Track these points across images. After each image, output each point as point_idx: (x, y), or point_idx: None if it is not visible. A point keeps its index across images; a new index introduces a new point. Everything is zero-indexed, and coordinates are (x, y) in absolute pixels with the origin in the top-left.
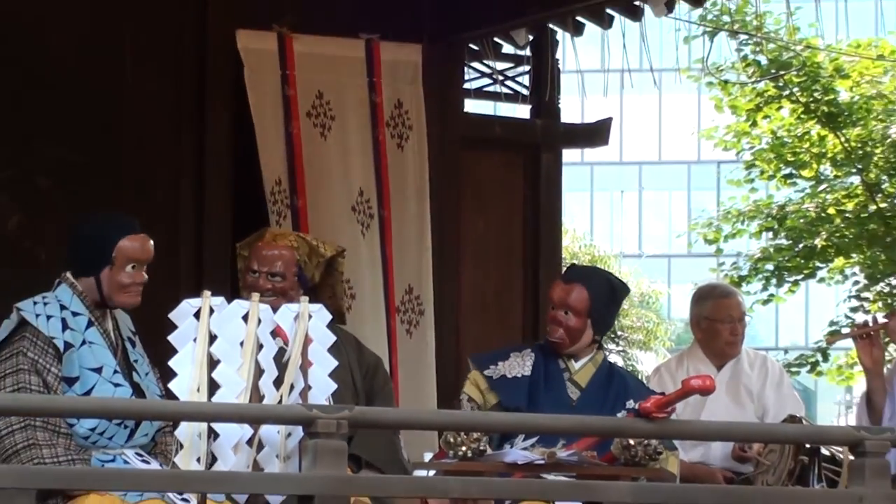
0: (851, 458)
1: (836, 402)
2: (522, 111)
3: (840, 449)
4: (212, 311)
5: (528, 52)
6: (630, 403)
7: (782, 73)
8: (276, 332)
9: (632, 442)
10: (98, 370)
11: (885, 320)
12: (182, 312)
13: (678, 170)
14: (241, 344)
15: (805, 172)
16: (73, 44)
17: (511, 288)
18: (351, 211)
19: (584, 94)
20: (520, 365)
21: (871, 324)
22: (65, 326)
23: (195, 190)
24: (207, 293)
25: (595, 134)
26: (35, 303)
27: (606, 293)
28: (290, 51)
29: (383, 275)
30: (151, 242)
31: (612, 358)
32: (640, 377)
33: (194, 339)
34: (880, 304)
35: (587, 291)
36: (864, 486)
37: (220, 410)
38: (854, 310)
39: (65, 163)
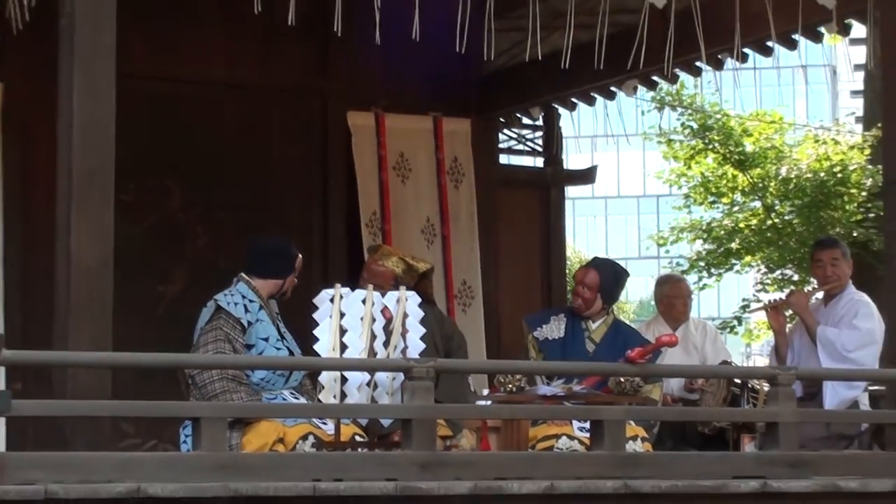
0: (767, 388)
1: (740, 353)
2: (538, 162)
3: (758, 382)
4: (341, 297)
5: (540, 121)
6: (630, 352)
7: (707, 133)
8: (384, 311)
9: (622, 379)
10: (266, 339)
11: (785, 298)
12: (321, 298)
13: (630, 201)
14: (362, 319)
15: (724, 200)
16: (241, 120)
17: (532, 279)
18: (420, 232)
19: (579, 151)
20: (557, 328)
21: (777, 300)
22: (246, 310)
23: (322, 218)
24: (338, 285)
25: (586, 176)
26: (225, 294)
27: (611, 275)
28: (382, 125)
29: (444, 273)
30: None
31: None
32: None
33: (330, 316)
34: (776, 287)
35: (598, 274)
36: (778, 407)
37: (349, 363)
38: (758, 291)
39: (235, 202)
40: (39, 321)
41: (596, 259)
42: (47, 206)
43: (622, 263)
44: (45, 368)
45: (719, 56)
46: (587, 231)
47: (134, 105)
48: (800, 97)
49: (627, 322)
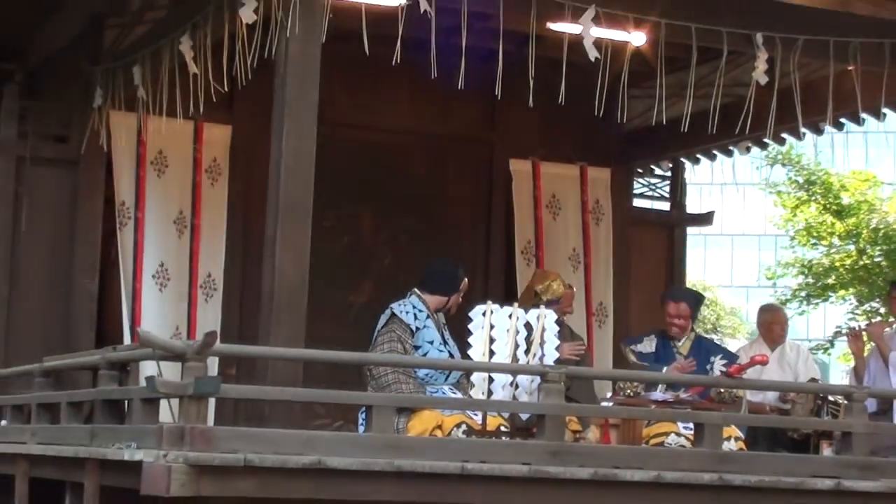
0: (845, 402)
1: (842, 371)
2: (665, 205)
3: (839, 397)
4: (492, 312)
5: (668, 172)
6: (712, 359)
7: (810, 186)
8: (526, 325)
9: (722, 390)
10: (431, 342)
11: (864, 327)
12: (475, 312)
13: (752, 239)
14: (507, 331)
15: (823, 242)
16: (422, 163)
17: (656, 303)
18: (567, 259)
19: (710, 195)
20: (649, 345)
21: (857, 329)
22: (415, 318)
23: (485, 246)
24: (489, 302)
25: (705, 218)
26: (399, 304)
27: (695, 302)
28: (538, 171)
29: (584, 295)
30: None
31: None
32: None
33: (482, 327)
34: (865, 317)
35: (687, 305)
36: (852, 419)
37: (496, 366)
38: (850, 321)
39: (414, 230)
40: (253, 321)
41: (682, 293)
42: (262, 228)
43: (743, 292)
44: (252, 359)
45: (818, 124)
46: (715, 264)
47: (337, 147)
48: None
49: (709, 336)
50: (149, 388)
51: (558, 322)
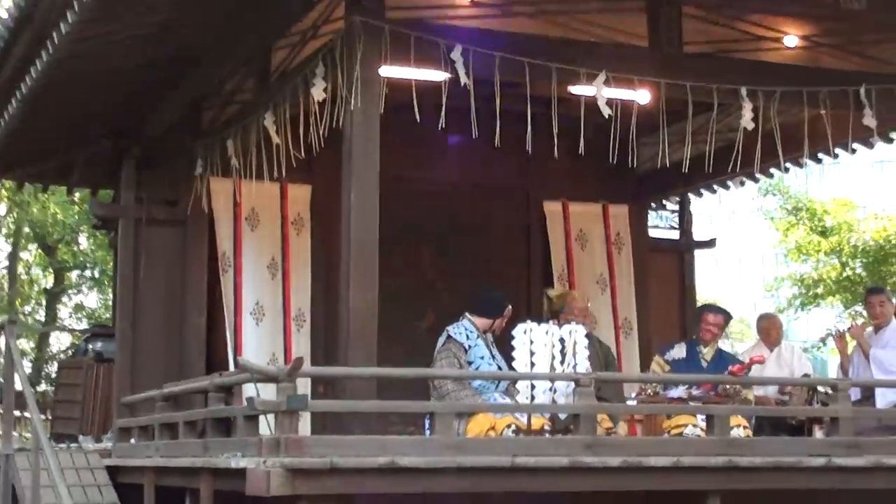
0: (832, 392)
1: (837, 366)
2: (675, 234)
3: (828, 388)
4: (531, 329)
5: (676, 206)
6: (730, 367)
7: (799, 212)
8: (561, 340)
9: (727, 387)
10: (482, 357)
11: (847, 329)
12: (517, 330)
13: (756, 258)
14: (545, 345)
15: (812, 258)
16: (471, 208)
17: (671, 317)
18: (595, 283)
19: (710, 224)
20: (679, 352)
21: (841, 330)
22: (467, 337)
23: (526, 276)
24: (529, 321)
25: (709, 243)
26: (453, 326)
27: (727, 319)
28: (567, 210)
29: (612, 312)
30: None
31: (724, 346)
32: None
33: (524, 343)
34: (850, 320)
35: (723, 318)
36: (838, 406)
37: (536, 375)
38: (837, 324)
39: (466, 264)
40: (337, 346)
41: (721, 308)
42: (339, 267)
43: (750, 303)
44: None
45: (799, 159)
46: (726, 279)
47: (399, 199)
48: (876, 184)
49: (729, 348)
50: (249, 407)
51: (587, 336)
